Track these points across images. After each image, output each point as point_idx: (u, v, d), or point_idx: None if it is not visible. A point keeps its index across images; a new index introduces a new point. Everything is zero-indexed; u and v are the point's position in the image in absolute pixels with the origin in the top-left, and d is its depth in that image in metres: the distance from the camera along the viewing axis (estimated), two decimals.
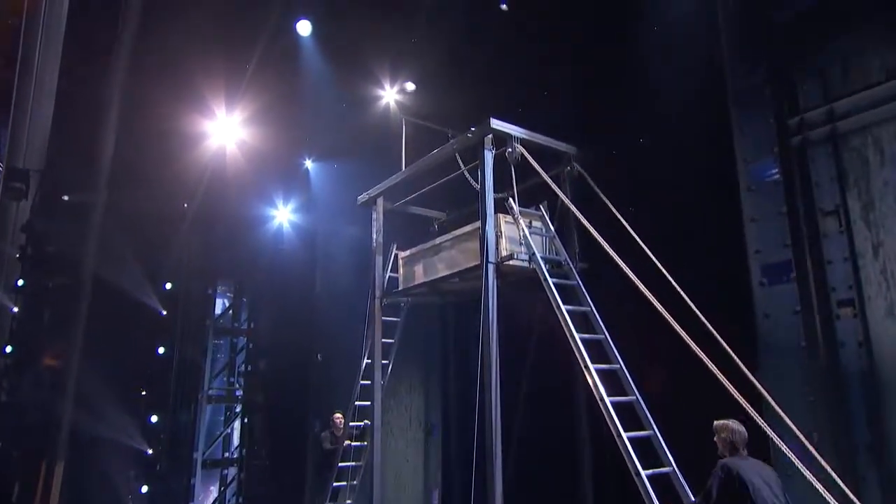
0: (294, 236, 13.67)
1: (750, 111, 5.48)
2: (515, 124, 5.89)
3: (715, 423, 4.04)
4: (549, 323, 5.37)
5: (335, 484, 8.04)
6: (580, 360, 4.81)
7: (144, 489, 11.98)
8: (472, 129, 5.82)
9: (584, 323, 5.41)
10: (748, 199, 5.37)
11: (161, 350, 12.85)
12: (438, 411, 9.56)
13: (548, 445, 6.78)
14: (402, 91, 9.62)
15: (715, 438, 4.01)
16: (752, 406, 4.15)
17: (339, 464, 7.95)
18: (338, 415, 8.52)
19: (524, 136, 5.79)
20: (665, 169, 5.94)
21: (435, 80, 8.80)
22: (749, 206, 5.35)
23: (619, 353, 5.17)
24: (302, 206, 13.52)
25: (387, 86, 9.91)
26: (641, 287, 4.71)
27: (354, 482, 8.04)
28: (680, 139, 5.93)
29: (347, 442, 8.05)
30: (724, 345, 4.42)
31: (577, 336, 4.92)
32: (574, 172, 6.17)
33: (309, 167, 12.93)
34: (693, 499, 4.30)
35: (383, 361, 7.91)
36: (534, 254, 5.41)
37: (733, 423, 3.99)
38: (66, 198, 12.38)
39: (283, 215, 13.69)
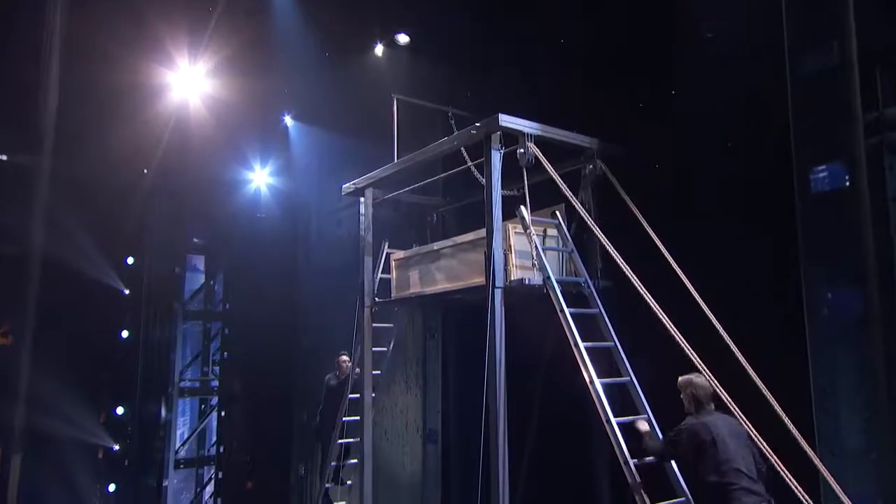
0: (273, 202, 13.43)
1: (815, 102, 5.08)
2: (526, 109, 5.53)
3: (679, 379, 4.40)
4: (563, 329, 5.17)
5: (341, 441, 8.19)
6: (601, 413, 4.65)
7: (112, 488, 12.25)
8: (478, 124, 5.47)
9: (606, 360, 5.23)
10: (806, 213, 5.04)
11: (125, 334, 12.89)
12: (438, 416, 9.59)
13: (562, 470, 6.78)
14: (394, 44, 9.15)
15: (681, 396, 4.38)
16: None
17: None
18: (343, 357, 8.62)
19: (538, 133, 5.44)
20: (706, 171, 5.61)
21: (432, 40, 8.34)
22: (807, 221, 5.04)
23: (645, 399, 5.02)
24: (282, 167, 13.21)
25: (377, 37, 9.44)
26: (672, 328, 4.49)
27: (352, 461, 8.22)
28: (725, 133, 5.58)
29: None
30: (775, 405, 4.23)
31: (597, 382, 4.75)
32: (597, 171, 5.85)
33: (289, 124, 12.55)
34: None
35: (375, 372, 7.85)
36: (548, 277, 5.16)
37: (697, 378, 4.33)
38: (3, 157, 12.13)
39: (260, 178, 13.40)
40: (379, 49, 9.63)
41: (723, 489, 3.93)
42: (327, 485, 8.40)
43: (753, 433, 4.08)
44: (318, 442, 9.11)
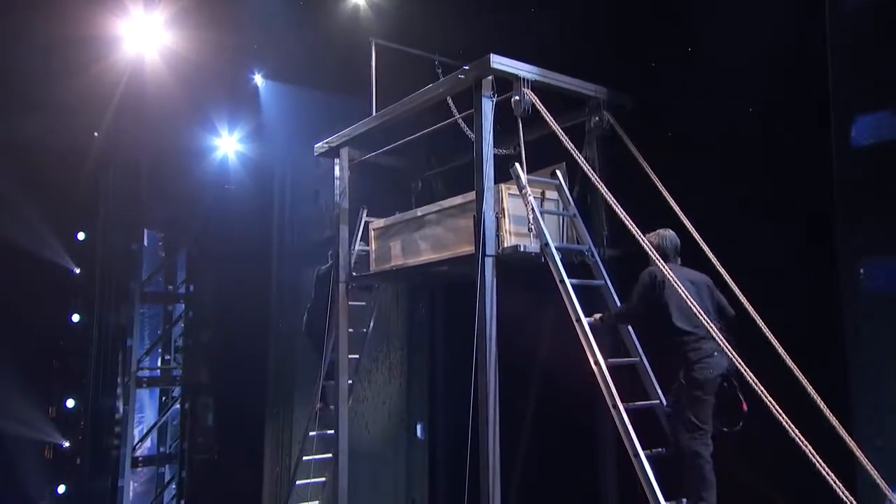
0: (243, 172, 13.11)
1: (859, 40, 4.80)
2: (523, 53, 5.24)
3: (645, 235, 4.59)
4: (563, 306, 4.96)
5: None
6: (607, 398, 4.42)
7: (61, 489, 12.03)
8: (465, 67, 5.18)
9: (613, 338, 5.03)
10: (845, 170, 4.80)
11: (76, 318, 12.63)
12: (424, 405, 9.45)
13: (562, 461, 6.62)
14: None
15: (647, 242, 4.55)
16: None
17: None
18: None
19: (536, 78, 5.16)
20: (728, 123, 5.36)
21: None
22: (845, 180, 4.80)
23: (657, 382, 4.82)
24: (252, 132, 12.88)
25: None
26: (689, 301, 4.25)
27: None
28: (750, 79, 5.31)
29: None
30: (807, 386, 4.01)
31: (602, 362, 4.50)
32: (604, 124, 5.58)
33: (259, 84, 12.19)
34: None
35: (353, 356, 7.63)
36: (547, 244, 4.91)
37: (663, 230, 4.66)
38: None
39: (227, 145, 13.05)
40: None
41: (687, 335, 4.30)
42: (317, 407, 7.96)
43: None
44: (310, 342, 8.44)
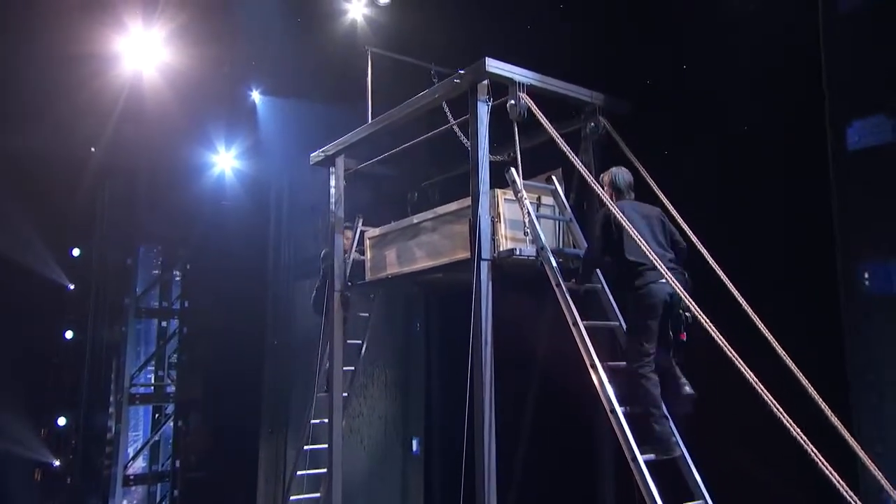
0: (240, 188, 13.09)
1: (853, 44, 4.80)
2: (520, 64, 5.23)
3: (601, 175, 4.98)
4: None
5: None
6: (605, 402, 4.35)
7: None
8: (461, 71, 5.17)
9: (609, 342, 4.94)
10: (842, 176, 4.77)
11: (69, 334, 12.52)
12: (420, 420, 9.33)
13: (560, 469, 6.50)
14: (373, 4, 8.85)
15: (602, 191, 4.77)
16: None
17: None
18: (347, 232, 8.05)
19: (532, 83, 5.14)
20: (726, 126, 5.35)
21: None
22: (843, 186, 4.76)
23: None
24: (250, 148, 12.88)
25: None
26: (689, 301, 4.19)
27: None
28: (747, 82, 5.32)
29: None
30: (810, 389, 3.94)
31: (599, 366, 4.43)
32: (599, 130, 5.55)
33: (257, 101, 12.22)
34: None
35: (348, 368, 7.53)
36: (543, 247, 4.87)
37: (615, 168, 4.96)
38: None
39: (224, 161, 13.05)
40: (356, 8, 9.32)
41: (639, 266, 4.48)
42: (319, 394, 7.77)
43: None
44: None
